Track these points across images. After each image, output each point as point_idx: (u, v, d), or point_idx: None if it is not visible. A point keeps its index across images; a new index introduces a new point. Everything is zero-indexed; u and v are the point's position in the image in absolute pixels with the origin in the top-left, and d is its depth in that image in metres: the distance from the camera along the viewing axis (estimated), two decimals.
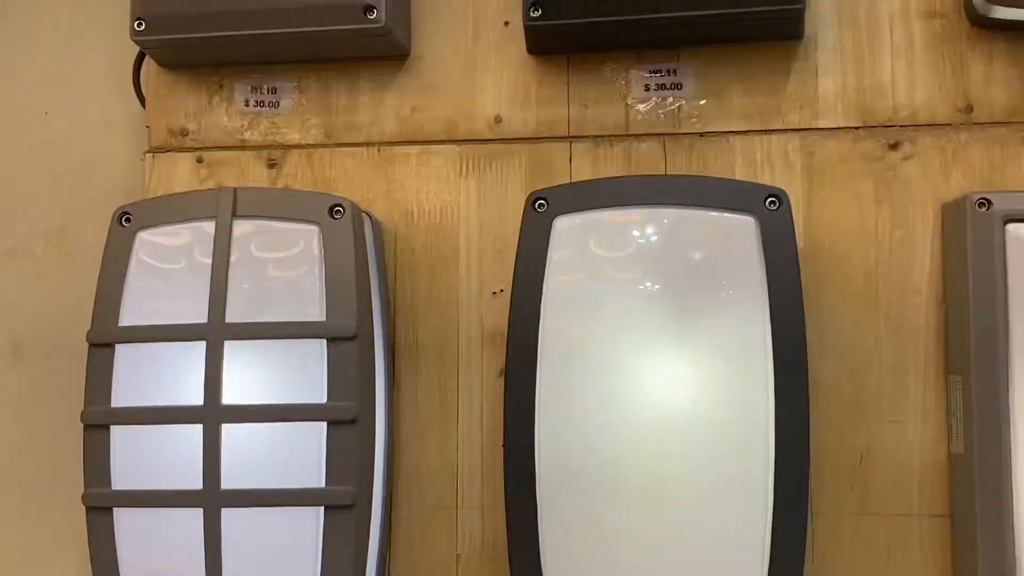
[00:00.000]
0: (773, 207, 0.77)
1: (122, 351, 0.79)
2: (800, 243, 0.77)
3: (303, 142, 0.89)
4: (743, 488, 0.75)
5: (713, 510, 0.75)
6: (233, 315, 0.78)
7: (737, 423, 0.75)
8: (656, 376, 0.76)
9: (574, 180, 0.85)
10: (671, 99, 0.85)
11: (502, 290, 0.85)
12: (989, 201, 0.76)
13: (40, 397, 0.92)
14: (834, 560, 0.80)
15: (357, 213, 0.81)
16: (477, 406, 0.85)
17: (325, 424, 0.77)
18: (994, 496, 0.74)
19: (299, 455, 0.77)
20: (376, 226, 0.86)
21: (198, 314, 0.78)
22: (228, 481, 0.77)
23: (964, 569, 0.76)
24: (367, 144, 0.89)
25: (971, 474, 0.75)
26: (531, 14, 0.83)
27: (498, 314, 0.84)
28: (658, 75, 0.86)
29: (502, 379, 0.79)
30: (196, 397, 0.77)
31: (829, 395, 0.80)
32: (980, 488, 0.74)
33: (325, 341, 0.78)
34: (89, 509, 0.79)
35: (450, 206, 0.87)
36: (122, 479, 0.78)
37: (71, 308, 0.89)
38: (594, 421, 0.76)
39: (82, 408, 0.79)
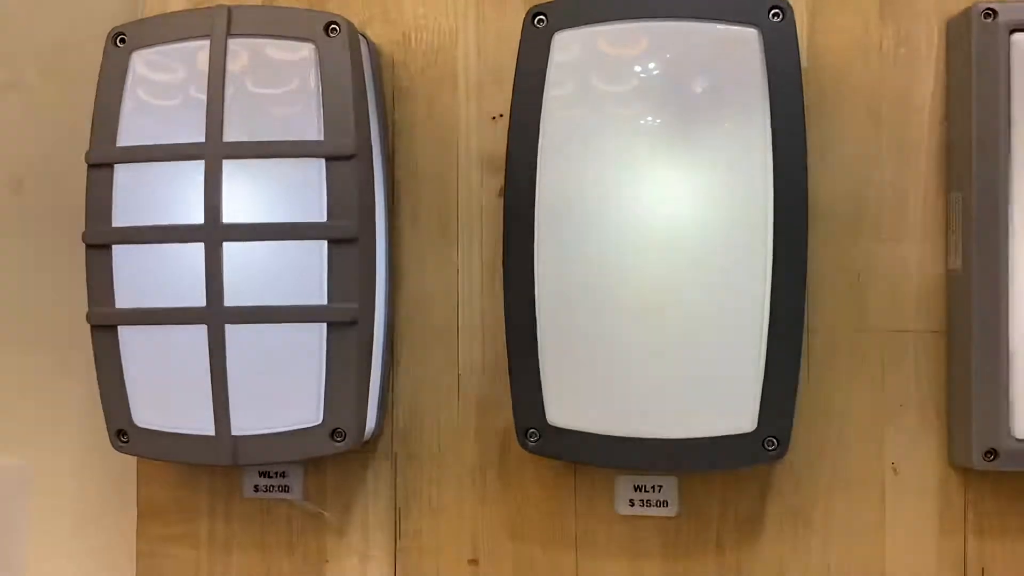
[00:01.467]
0: (777, 19, 0.76)
1: (121, 171, 0.79)
2: (802, 60, 0.76)
3: None
4: (740, 304, 0.75)
5: (711, 327, 0.76)
6: (230, 135, 0.78)
7: (736, 239, 0.76)
8: (655, 193, 0.76)
9: None
10: None
11: (501, 115, 0.84)
12: (994, 11, 0.75)
13: (43, 226, 0.92)
14: (830, 376, 0.80)
15: (353, 32, 0.80)
16: (477, 230, 0.85)
17: (326, 243, 0.78)
18: (990, 310, 0.75)
19: (301, 274, 0.78)
20: (373, 49, 0.85)
21: (196, 133, 0.77)
22: (231, 299, 0.77)
23: (958, 384, 0.78)
24: None
25: (968, 289, 0.76)
26: None
27: (498, 140, 0.83)
28: None
29: (502, 200, 0.79)
30: (197, 216, 0.77)
31: (828, 213, 0.80)
32: (976, 303, 0.75)
33: (324, 160, 0.78)
34: (94, 328, 0.80)
35: (448, 29, 0.86)
36: (126, 298, 0.79)
37: (70, 137, 0.88)
38: (593, 239, 0.77)
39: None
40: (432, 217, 0.86)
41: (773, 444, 0.75)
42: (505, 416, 0.82)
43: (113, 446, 0.81)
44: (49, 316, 0.93)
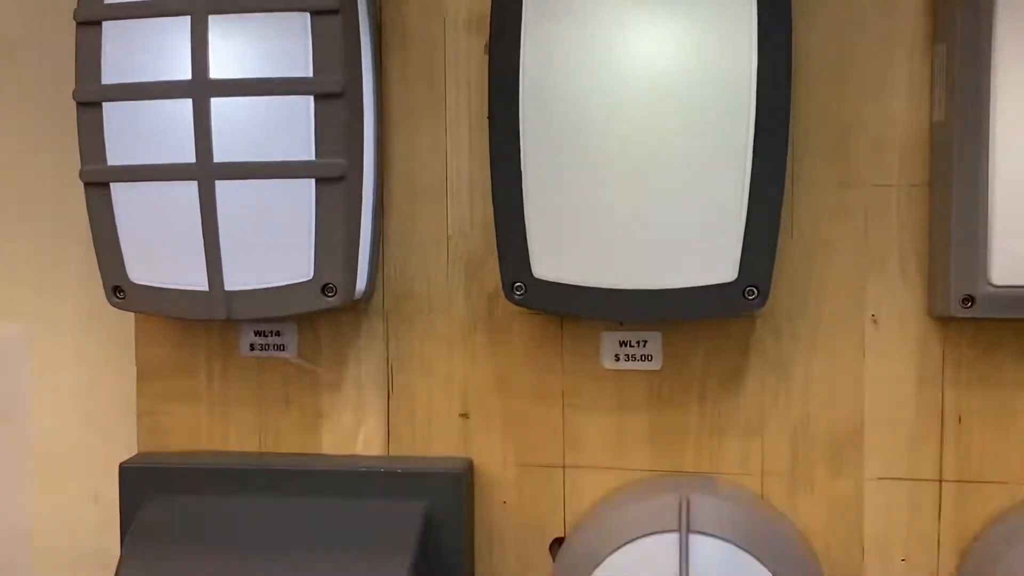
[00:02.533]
0: None
1: (109, 29, 0.80)
2: None
3: None
4: (723, 157, 0.76)
5: (694, 179, 0.76)
6: None
7: (721, 93, 0.76)
8: (640, 48, 0.76)
9: None
10: None
11: None
12: None
13: (36, 89, 0.93)
14: (813, 230, 0.81)
15: None
16: (464, 87, 0.85)
17: (312, 98, 0.79)
18: (971, 159, 0.75)
19: (289, 129, 0.79)
20: None
21: None
22: (220, 155, 0.78)
23: (938, 234, 0.79)
24: None
25: (950, 139, 0.76)
26: None
27: None
28: None
29: (487, 55, 0.80)
30: (184, 72, 0.78)
31: (815, 66, 0.80)
32: (958, 152, 0.75)
33: (309, 14, 0.78)
34: (87, 186, 0.82)
35: None
36: (117, 155, 0.80)
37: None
38: (578, 94, 0.77)
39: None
40: (420, 75, 0.86)
41: (753, 293, 0.76)
42: (494, 275, 0.83)
43: (110, 302, 0.83)
44: (45, 179, 0.94)
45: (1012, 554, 0.76)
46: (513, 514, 0.86)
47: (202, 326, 0.89)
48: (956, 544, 0.81)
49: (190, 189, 0.79)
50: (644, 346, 0.84)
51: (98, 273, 0.84)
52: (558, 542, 0.86)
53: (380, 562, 0.80)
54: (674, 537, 0.78)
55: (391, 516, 0.83)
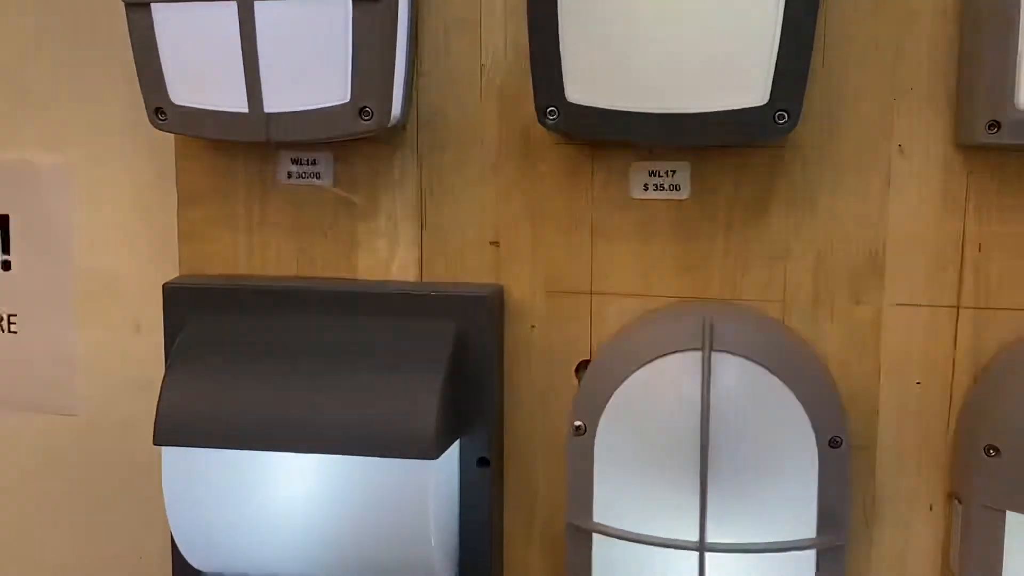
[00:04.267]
0: None
1: None
2: None
3: None
4: None
5: (727, 1, 0.77)
6: None
7: None
8: None
9: None
10: None
11: None
12: None
13: None
14: (843, 58, 0.81)
15: None
16: None
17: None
18: None
19: None
20: None
21: None
22: None
23: (967, 60, 0.78)
24: None
25: None
26: None
27: None
28: None
29: None
30: None
31: None
32: None
33: None
34: (128, 7, 0.83)
35: None
36: None
37: None
38: None
39: None
40: None
41: (784, 117, 0.77)
42: (526, 107, 0.84)
43: (152, 124, 0.85)
44: (85, 2, 0.96)
45: (1019, 374, 0.79)
46: (541, 338, 0.89)
47: (241, 153, 0.91)
48: (970, 368, 0.83)
49: (230, 9, 0.80)
50: (672, 176, 0.86)
51: (138, 101, 0.86)
52: (584, 365, 0.89)
53: (414, 378, 0.84)
54: (697, 355, 0.81)
55: (424, 336, 0.87)
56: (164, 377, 0.87)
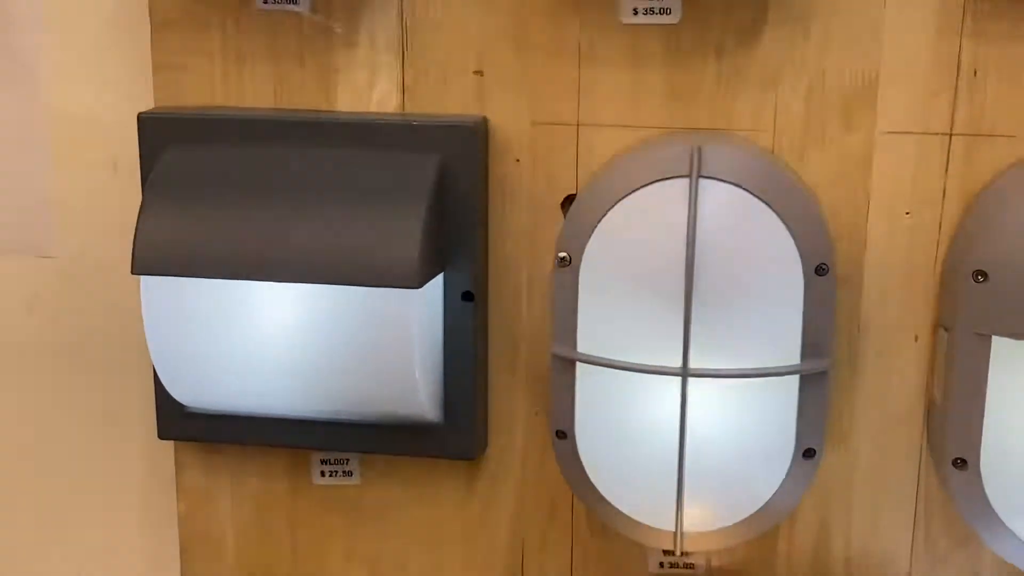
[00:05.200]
0: None
1: None
2: None
3: None
4: None
5: None
6: None
7: None
8: None
9: None
10: None
11: None
12: None
13: None
14: None
15: None
16: None
17: None
18: None
19: None
20: None
21: None
22: None
23: None
24: None
25: None
26: None
27: None
28: None
29: None
30: None
31: None
32: None
33: None
34: None
35: None
36: None
37: None
38: None
39: None
40: None
41: None
42: None
43: None
44: None
45: (1014, 202, 0.78)
46: (527, 171, 0.88)
47: None
48: (961, 198, 0.82)
49: None
50: None
51: None
52: (570, 199, 0.88)
53: (396, 207, 0.83)
54: (684, 182, 0.79)
55: (406, 167, 0.85)
56: (141, 206, 0.85)
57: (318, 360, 0.87)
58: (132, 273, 0.84)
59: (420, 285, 0.82)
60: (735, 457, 0.82)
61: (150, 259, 0.83)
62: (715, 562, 0.92)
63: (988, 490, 0.79)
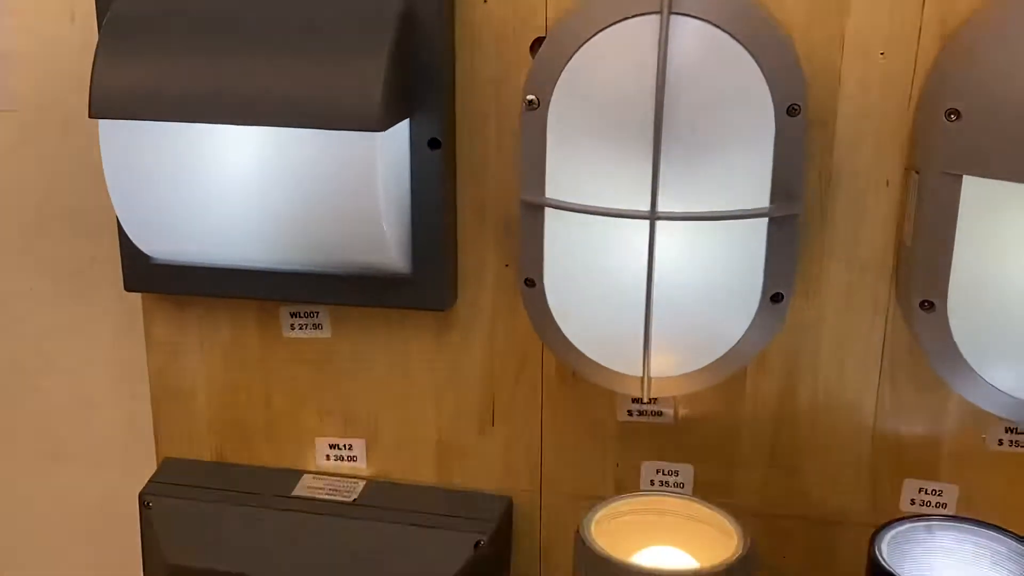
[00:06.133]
0: None
1: None
2: None
3: None
4: None
5: None
6: None
7: None
8: None
9: None
10: None
11: None
12: None
13: None
14: None
15: None
16: None
17: None
18: None
19: None
20: None
21: None
22: None
23: None
24: None
25: None
26: None
27: None
28: None
29: None
30: None
31: None
32: None
33: None
34: None
35: None
36: None
37: None
38: None
39: None
40: None
41: None
42: None
43: None
44: None
45: (989, 39, 0.76)
46: (495, 13, 0.85)
47: None
48: (936, 39, 0.80)
49: None
50: None
51: None
52: (539, 42, 0.85)
53: (359, 49, 0.80)
54: (655, 19, 0.77)
55: (370, 7, 0.81)
56: (96, 48, 0.82)
57: (283, 207, 0.86)
58: (89, 116, 0.82)
59: (383, 128, 0.80)
60: (703, 301, 0.82)
61: (107, 102, 0.81)
62: (682, 411, 0.93)
63: (954, 332, 0.79)
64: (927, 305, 0.80)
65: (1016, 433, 0.87)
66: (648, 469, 0.95)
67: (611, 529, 0.84)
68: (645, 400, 0.87)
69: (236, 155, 0.84)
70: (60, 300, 1.04)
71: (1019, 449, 0.87)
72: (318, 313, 0.96)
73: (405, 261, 0.89)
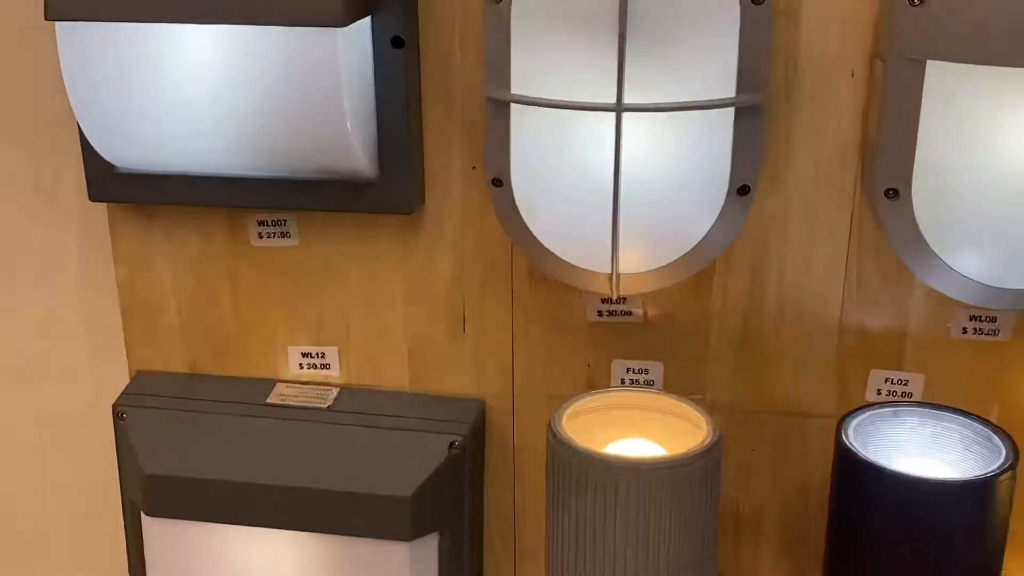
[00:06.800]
0: None
1: None
2: None
3: None
4: None
5: None
6: None
7: None
8: None
9: None
10: None
11: None
12: None
13: None
14: None
15: None
16: None
17: None
18: None
19: None
20: None
21: None
22: None
23: None
24: None
25: None
26: None
27: None
28: None
29: None
30: None
31: None
32: None
33: None
34: None
35: None
36: None
37: None
38: None
39: None
40: None
41: None
42: None
43: None
44: None
45: None
46: None
47: None
48: None
49: None
50: None
51: None
52: None
53: None
54: None
55: None
56: None
57: (245, 111, 0.85)
58: (46, 19, 0.80)
59: (345, 23, 0.79)
60: (670, 194, 0.82)
61: (64, 3, 0.80)
62: (651, 310, 0.93)
63: (919, 218, 0.80)
64: (892, 193, 0.80)
65: (980, 321, 0.89)
66: (619, 368, 0.96)
67: (583, 424, 0.85)
68: (614, 298, 0.88)
69: (197, 56, 0.83)
70: (24, 216, 1.03)
71: (983, 337, 0.89)
72: (285, 221, 0.95)
73: (371, 164, 0.88)
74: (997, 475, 0.77)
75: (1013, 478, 0.78)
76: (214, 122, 0.86)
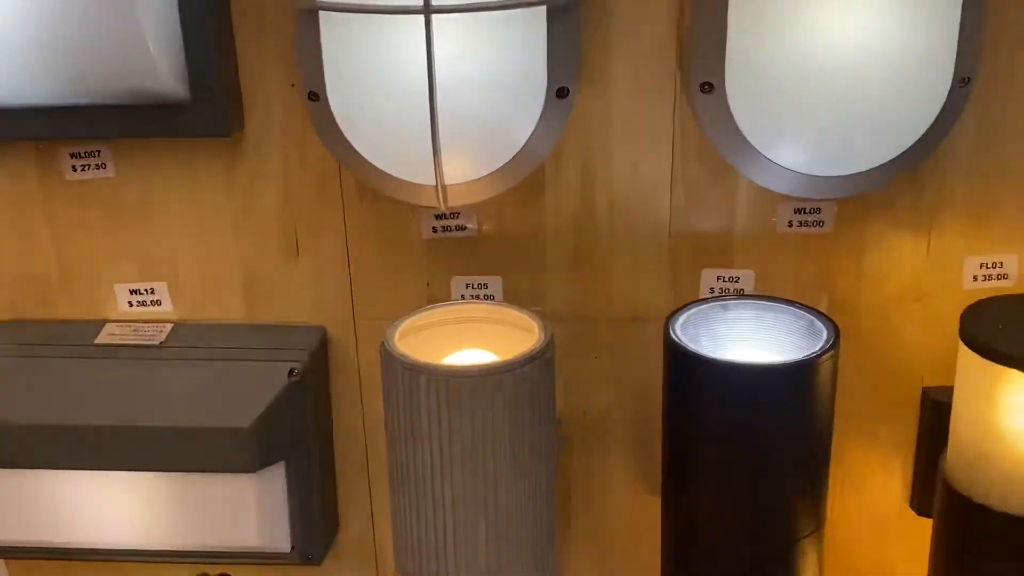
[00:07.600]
0: None
1: None
2: None
3: None
4: None
5: None
6: None
7: None
8: None
9: None
10: None
11: None
12: None
13: None
14: None
15: None
16: None
17: None
18: None
19: None
20: None
21: None
22: None
23: None
24: None
25: None
26: None
27: None
28: None
29: None
30: None
31: None
32: None
33: None
34: None
35: None
36: None
37: None
38: None
39: None
40: None
41: None
42: None
43: None
44: None
45: None
46: None
47: None
48: None
49: None
50: None
51: None
52: None
53: None
54: None
55: None
56: None
57: (43, 33, 0.80)
58: None
59: None
60: (487, 99, 0.81)
61: None
62: (485, 224, 0.92)
63: (734, 112, 0.80)
64: (707, 87, 0.80)
65: (804, 214, 0.90)
66: (458, 284, 0.95)
67: (418, 340, 0.84)
68: (443, 211, 0.87)
69: None
70: None
71: (807, 229, 0.91)
72: (100, 152, 0.91)
73: (181, 85, 0.84)
74: (817, 357, 0.78)
75: (834, 359, 0.80)
76: (12, 47, 0.81)
